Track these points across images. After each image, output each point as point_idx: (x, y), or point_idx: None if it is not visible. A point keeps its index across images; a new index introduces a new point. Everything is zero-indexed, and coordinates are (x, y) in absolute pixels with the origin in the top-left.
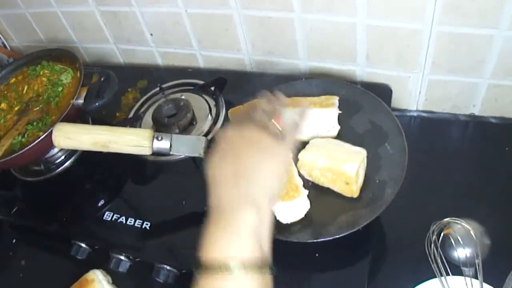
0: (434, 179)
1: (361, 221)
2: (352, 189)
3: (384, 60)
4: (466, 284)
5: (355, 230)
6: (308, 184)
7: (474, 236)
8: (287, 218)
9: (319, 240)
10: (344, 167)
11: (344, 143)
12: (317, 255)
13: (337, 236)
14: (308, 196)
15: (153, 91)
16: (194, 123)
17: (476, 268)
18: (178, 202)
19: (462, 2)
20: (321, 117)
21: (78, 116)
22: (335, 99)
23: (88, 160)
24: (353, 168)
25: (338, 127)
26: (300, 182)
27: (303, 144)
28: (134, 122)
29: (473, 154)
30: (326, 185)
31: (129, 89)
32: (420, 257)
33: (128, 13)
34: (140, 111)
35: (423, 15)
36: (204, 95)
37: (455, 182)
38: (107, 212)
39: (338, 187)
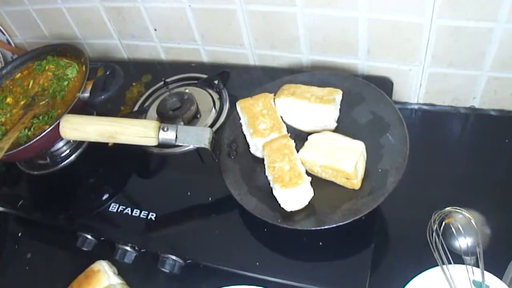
0: (435, 170)
1: (363, 209)
2: (353, 183)
3: (385, 54)
4: (468, 272)
5: (358, 217)
6: (311, 174)
7: (475, 225)
8: (291, 205)
9: (323, 228)
10: (342, 165)
11: (342, 136)
12: (320, 243)
13: (341, 224)
14: (311, 185)
15: (158, 85)
16: (198, 116)
17: (477, 257)
18: (183, 194)
19: None
20: (319, 112)
21: (84, 109)
22: (338, 95)
23: (93, 153)
24: (351, 165)
25: (335, 125)
26: (302, 169)
27: (302, 135)
28: (139, 115)
29: (473, 145)
30: (328, 178)
31: (133, 84)
32: (422, 246)
33: (132, 9)
34: (145, 105)
35: (423, 9)
36: (207, 89)
37: (455, 173)
38: (112, 204)
39: (339, 181)
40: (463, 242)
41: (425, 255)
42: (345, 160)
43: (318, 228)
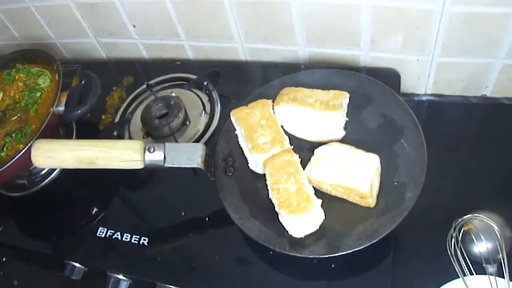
0: (446, 168)
1: (381, 231)
2: (367, 202)
3: (390, 44)
4: (491, 283)
5: (375, 241)
6: (320, 192)
7: (496, 231)
8: (300, 231)
9: (337, 255)
10: (356, 184)
11: (353, 149)
12: (333, 265)
13: (356, 249)
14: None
15: (140, 88)
16: (187, 122)
17: (498, 264)
18: (176, 214)
19: None
20: (325, 120)
21: (60, 124)
22: (345, 99)
23: (76, 170)
24: (366, 185)
25: (344, 133)
26: (311, 190)
27: (306, 146)
28: (121, 125)
29: (486, 138)
30: (339, 196)
31: (114, 88)
32: (441, 257)
33: (107, 4)
34: (128, 112)
35: None
36: (195, 90)
37: (469, 171)
38: (100, 228)
39: (352, 199)
40: (484, 249)
41: (446, 266)
42: (359, 178)
43: (332, 255)
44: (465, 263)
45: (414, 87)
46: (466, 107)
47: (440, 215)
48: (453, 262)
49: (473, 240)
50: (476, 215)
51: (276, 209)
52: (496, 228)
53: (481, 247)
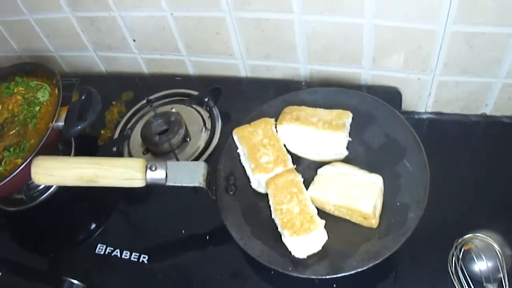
0: (447, 187)
1: (384, 252)
2: (371, 222)
3: (392, 62)
4: None
5: (378, 262)
6: (322, 212)
7: (497, 251)
8: (303, 252)
9: (339, 276)
10: (359, 205)
11: (357, 169)
12: (334, 286)
13: (359, 270)
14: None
15: (140, 103)
16: (188, 139)
17: (499, 283)
18: (177, 231)
19: (480, 0)
20: (329, 140)
21: (59, 139)
22: (348, 118)
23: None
24: (370, 206)
25: (346, 153)
26: (314, 210)
27: (309, 165)
28: (121, 141)
29: (486, 157)
30: (342, 216)
31: (113, 103)
32: (442, 276)
33: (107, 18)
34: (127, 128)
35: (437, 15)
36: (196, 107)
37: (469, 189)
38: (99, 245)
39: (355, 219)
40: (484, 268)
41: (448, 286)
42: (362, 199)
43: (335, 276)
44: (466, 282)
45: (415, 105)
46: (466, 125)
47: (441, 234)
48: (454, 281)
49: (474, 259)
50: (477, 234)
51: (279, 229)
52: (496, 247)
53: (481, 265)
